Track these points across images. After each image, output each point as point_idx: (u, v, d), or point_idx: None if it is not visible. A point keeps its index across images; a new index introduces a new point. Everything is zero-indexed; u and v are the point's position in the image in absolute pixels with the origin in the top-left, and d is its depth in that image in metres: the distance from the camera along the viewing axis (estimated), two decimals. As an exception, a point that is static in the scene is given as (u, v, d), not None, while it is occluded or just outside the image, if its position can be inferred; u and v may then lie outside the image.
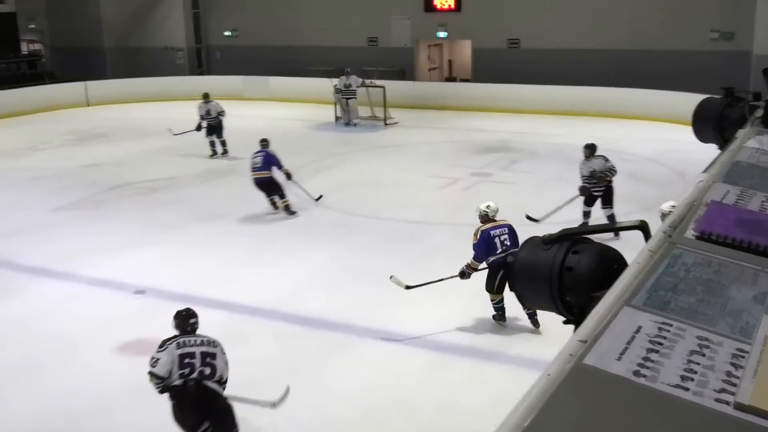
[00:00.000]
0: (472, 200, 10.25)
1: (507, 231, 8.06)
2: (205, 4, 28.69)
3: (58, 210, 13.11)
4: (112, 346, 7.91)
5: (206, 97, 17.29)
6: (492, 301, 8.11)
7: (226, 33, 28.32)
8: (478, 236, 7.98)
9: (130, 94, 25.56)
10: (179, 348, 5.56)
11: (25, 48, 29.35)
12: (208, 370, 5.55)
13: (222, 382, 5.70)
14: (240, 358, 7.54)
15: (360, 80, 20.65)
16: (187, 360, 5.51)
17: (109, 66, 28.65)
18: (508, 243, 7.96)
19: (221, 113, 17.09)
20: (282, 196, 12.36)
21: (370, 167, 15.88)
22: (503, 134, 18.75)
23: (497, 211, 8.22)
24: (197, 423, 5.54)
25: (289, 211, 12.37)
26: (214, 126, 17.03)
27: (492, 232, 7.99)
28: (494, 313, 8.17)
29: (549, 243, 2.64)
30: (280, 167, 12.34)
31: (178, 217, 12.49)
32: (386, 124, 20.56)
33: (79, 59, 28.24)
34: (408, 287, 8.34)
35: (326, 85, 21.46)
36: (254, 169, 12.36)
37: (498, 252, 7.93)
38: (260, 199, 12.48)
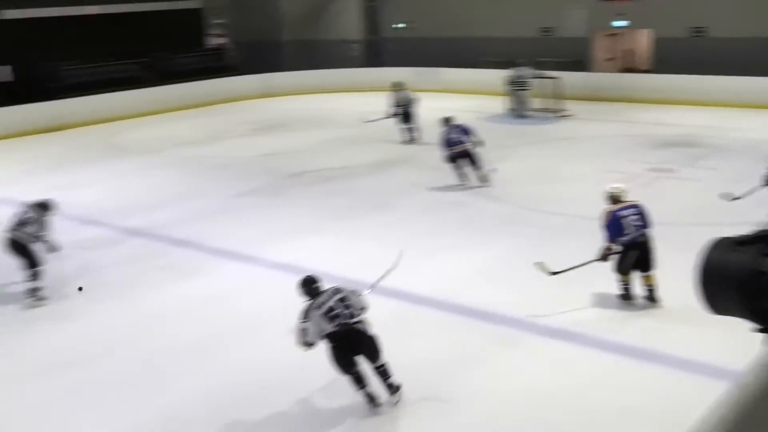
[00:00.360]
0: (650, 197, 9.82)
1: (636, 211, 8.07)
2: (380, -3, 29.20)
3: (239, 196, 13.80)
4: (289, 328, 8.22)
5: (398, 85, 17.81)
6: (621, 282, 8.20)
7: (399, 25, 28.68)
8: (609, 218, 8.05)
9: (307, 85, 26.47)
10: (319, 309, 6.30)
11: (210, 42, 31.03)
12: (348, 311, 6.33)
13: (363, 310, 6.50)
14: (407, 347, 7.68)
15: (533, 71, 20.32)
16: (330, 313, 6.27)
17: (288, 59, 29.78)
18: (639, 223, 8.00)
19: (413, 100, 17.57)
20: (480, 167, 13.35)
21: (542, 160, 15.59)
22: (687, 128, 17.82)
23: (625, 192, 8.25)
24: (352, 361, 6.37)
25: (485, 180, 13.35)
26: (405, 113, 17.55)
27: (620, 213, 8.02)
28: (620, 293, 8.24)
29: (743, 244, 2.48)
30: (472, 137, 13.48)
31: (352, 205, 12.82)
32: (559, 116, 20.13)
33: (260, 53, 29.53)
34: (553, 273, 8.36)
35: (498, 76, 21.27)
36: (454, 144, 13.34)
37: (627, 233, 7.96)
38: (432, 189, 12.61)
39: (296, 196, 13.69)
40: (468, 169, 13.43)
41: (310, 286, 6.54)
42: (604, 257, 8.13)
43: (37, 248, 9.37)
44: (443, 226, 11.57)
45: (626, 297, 8.28)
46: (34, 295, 9.25)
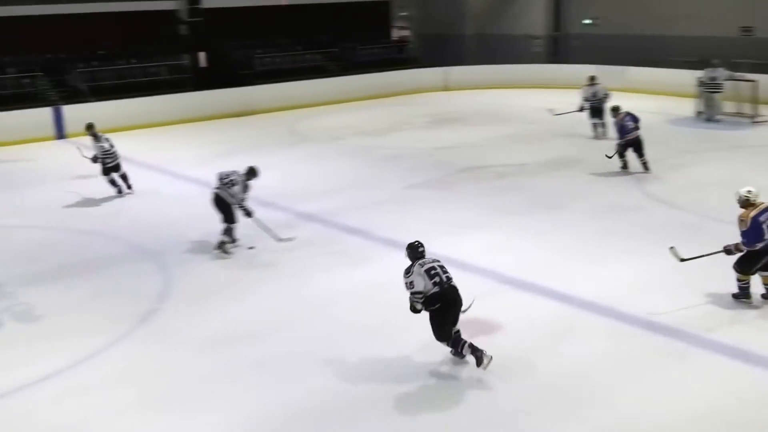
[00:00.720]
0: None
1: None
2: (568, -8, 28.54)
3: (411, 187, 13.95)
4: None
5: (593, 79, 17.74)
6: (741, 281, 8.25)
7: (586, 21, 27.91)
8: (748, 223, 7.97)
9: (487, 80, 26.34)
10: (422, 267, 7.05)
11: (395, 34, 31.54)
12: (446, 275, 7.11)
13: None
14: (568, 352, 7.51)
15: (728, 73, 19.12)
16: (432, 272, 7.03)
17: (469, 53, 29.74)
18: None
19: (606, 96, 17.39)
20: (644, 154, 14.09)
21: (732, 168, 14.62)
22: None
23: (758, 195, 8.18)
24: (455, 317, 7.14)
25: (648, 168, 14.08)
26: (597, 108, 17.41)
27: (760, 218, 8.00)
28: (737, 292, 8.30)
29: None
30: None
31: (522, 203, 12.63)
32: (754, 122, 18.84)
33: (442, 45, 29.70)
34: (682, 260, 8.44)
35: (688, 77, 20.20)
36: (629, 131, 13.98)
37: (765, 237, 7.98)
38: (606, 192, 12.20)
39: (467, 191, 13.66)
40: (632, 156, 14.13)
41: (417, 249, 7.28)
42: (728, 251, 8.21)
43: (235, 209, 10.66)
44: (615, 230, 11.15)
45: (744, 296, 8.30)
46: (222, 248, 10.67)
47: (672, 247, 8.52)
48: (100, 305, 9.12)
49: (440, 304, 7.02)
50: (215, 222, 11.23)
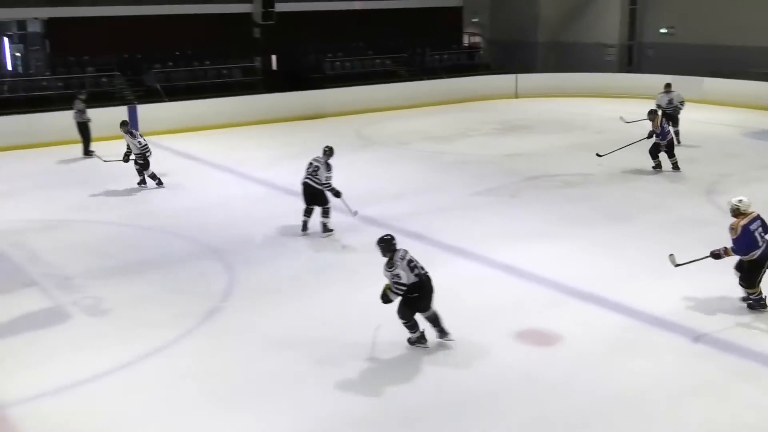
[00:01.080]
0: None
1: (761, 222, 8.22)
2: (644, 1, 28.00)
3: (477, 194, 13.86)
4: (510, 332, 8.15)
5: (668, 86, 17.79)
6: (751, 294, 8.37)
7: (662, 30, 27.35)
8: (738, 231, 8.12)
9: (558, 88, 26.03)
10: (402, 260, 7.51)
11: (466, 40, 31.43)
12: (420, 264, 7.64)
13: None
14: (631, 367, 7.35)
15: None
16: (411, 264, 7.56)
17: (540, 60, 29.45)
18: (765, 234, 8.20)
19: (682, 103, 17.52)
20: (674, 154, 15.02)
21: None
22: None
23: (750, 205, 8.26)
24: (429, 303, 7.68)
25: (678, 167, 14.96)
26: (671, 115, 17.33)
27: (751, 227, 8.14)
28: (751, 302, 8.42)
29: None
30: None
31: (589, 213, 12.43)
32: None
33: (513, 52, 29.47)
34: (677, 265, 8.61)
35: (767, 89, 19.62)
36: (667, 133, 14.79)
37: (761, 245, 8.15)
38: (677, 205, 11.94)
39: (533, 199, 13.51)
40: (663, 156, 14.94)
41: (391, 242, 7.65)
42: (717, 256, 8.35)
43: (325, 191, 11.51)
44: (684, 244, 10.77)
45: (761, 306, 8.42)
46: (326, 229, 11.56)
47: (671, 255, 8.72)
48: (166, 302, 9.30)
49: (419, 293, 7.55)
50: (281, 223, 11.39)
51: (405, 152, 17.97)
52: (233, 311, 9.03)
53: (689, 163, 15.60)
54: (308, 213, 11.69)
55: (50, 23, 23.06)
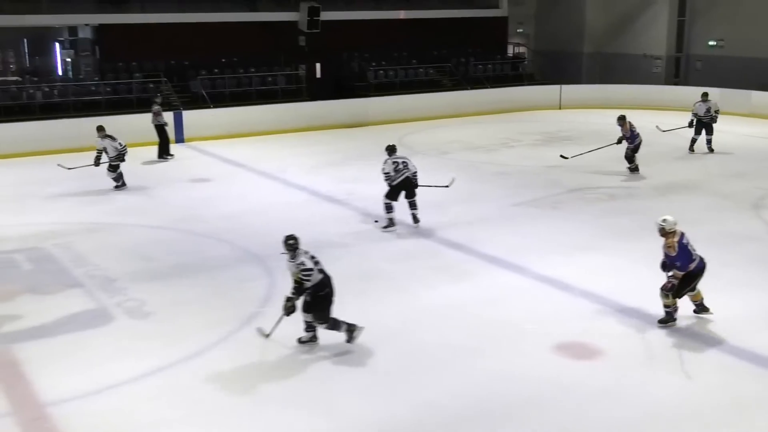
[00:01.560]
0: None
1: (687, 236, 8.33)
2: (693, 13, 27.65)
3: (518, 205, 13.78)
4: (551, 344, 8.07)
5: (705, 96, 18.01)
6: (669, 306, 8.37)
7: (710, 42, 26.96)
8: (677, 248, 8.17)
9: (602, 99, 25.78)
10: (306, 254, 7.86)
11: (510, 51, 31.31)
12: (320, 261, 7.95)
13: None
14: (674, 382, 7.23)
15: None
16: (315, 260, 7.90)
17: (585, 71, 29.21)
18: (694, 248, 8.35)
19: (717, 112, 17.84)
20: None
21: None
22: None
23: (675, 223, 8.27)
24: (331, 300, 7.95)
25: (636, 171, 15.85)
26: (707, 124, 17.79)
27: (683, 242, 8.25)
28: (664, 317, 8.42)
29: None
30: None
31: (632, 226, 12.26)
32: None
33: (558, 63, 29.28)
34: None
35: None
36: (637, 136, 15.65)
37: (693, 257, 8.27)
38: (723, 219, 11.77)
39: (575, 211, 13.38)
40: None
41: (296, 240, 7.91)
42: (672, 287, 8.24)
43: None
44: (729, 260, 10.66)
45: (672, 320, 8.43)
46: (416, 218, 12.42)
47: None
48: (206, 306, 9.39)
49: (328, 289, 7.89)
50: (322, 229, 11.44)
51: (446, 162, 17.93)
52: (272, 317, 9.03)
53: (736, 177, 15.35)
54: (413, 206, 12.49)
55: (100, 29, 23.51)
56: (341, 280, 10.10)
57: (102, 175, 16.29)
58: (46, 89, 21.71)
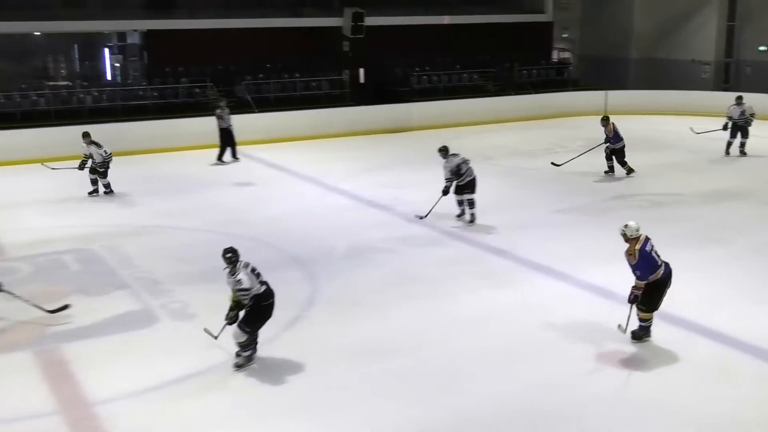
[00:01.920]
0: None
1: (651, 242, 7.97)
2: (743, 17, 27.16)
3: (562, 212, 13.65)
4: (592, 352, 7.97)
5: (740, 99, 18.17)
6: (645, 321, 8.04)
7: (761, 48, 26.45)
8: (637, 256, 7.81)
9: (650, 105, 25.44)
10: (246, 267, 7.60)
11: (555, 56, 31.07)
12: (262, 274, 7.71)
13: None
14: (722, 395, 7.08)
15: None
16: (256, 272, 7.67)
17: (632, 76, 28.85)
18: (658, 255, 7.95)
19: (752, 116, 17.86)
20: (625, 161, 16.20)
21: None
22: None
23: (638, 229, 7.93)
24: (271, 313, 7.72)
25: (631, 171, 16.14)
26: (742, 127, 17.90)
27: (646, 248, 7.88)
28: (637, 331, 8.07)
29: None
30: None
31: (680, 234, 12.05)
32: None
33: (604, 68, 28.96)
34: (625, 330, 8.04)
35: None
36: (621, 139, 16.07)
37: (659, 264, 7.91)
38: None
39: (620, 218, 13.02)
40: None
41: (236, 253, 7.64)
42: (635, 298, 7.93)
43: None
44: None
45: (647, 335, 8.10)
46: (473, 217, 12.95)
47: (619, 325, 8.10)
48: (249, 308, 9.44)
49: (271, 299, 7.67)
50: (364, 234, 11.48)
51: (490, 167, 17.79)
52: (314, 321, 9.12)
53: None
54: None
55: (148, 35, 23.89)
56: (384, 286, 10.20)
57: (142, 180, 16.57)
58: (96, 94, 22.12)
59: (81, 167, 15.43)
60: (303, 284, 10.28)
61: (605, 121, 16.26)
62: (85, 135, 15.46)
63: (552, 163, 16.15)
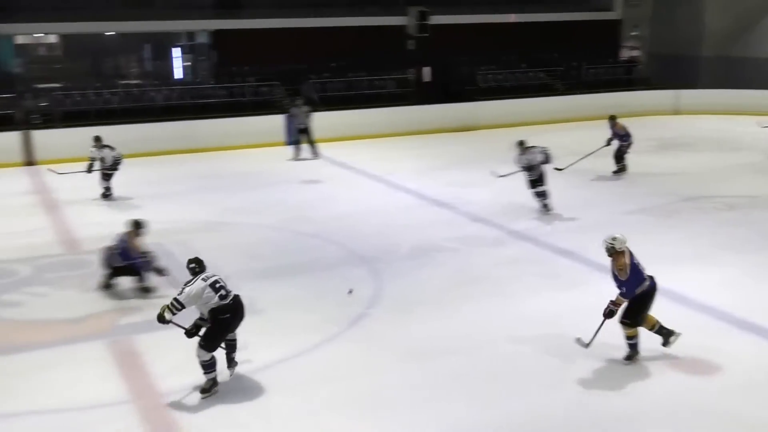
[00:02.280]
0: None
1: (635, 257, 7.52)
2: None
3: (629, 213, 13.40)
4: (666, 357, 7.80)
5: None
6: (630, 338, 7.60)
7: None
8: (628, 271, 7.35)
9: (724, 105, 24.77)
10: (206, 281, 7.18)
11: (624, 54, 30.50)
12: (227, 287, 7.30)
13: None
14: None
15: None
16: (217, 286, 7.20)
17: (705, 75, 28.14)
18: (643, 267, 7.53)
19: None
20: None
21: None
22: None
23: (625, 241, 7.53)
24: (232, 329, 7.35)
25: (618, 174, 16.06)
26: None
27: (635, 261, 7.48)
28: (629, 352, 7.63)
29: None
30: None
31: (755, 237, 11.75)
32: None
33: (674, 67, 28.30)
34: (587, 345, 7.72)
35: None
36: (629, 137, 15.89)
37: (644, 278, 7.49)
38: None
39: (691, 221, 12.91)
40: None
41: (200, 264, 7.39)
42: (610, 313, 7.52)
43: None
44: None
45: (636, 353, 7.65)
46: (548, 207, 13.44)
47: (578, 338, 7.82)
48: (313, 306, 9.55)
49: (230, 314, 7.22)
50: (429, 233, 11.49)
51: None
52: (377, 319, 9.15)
53: None
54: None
55: (217, 35, 24.30)
56: (447, 285, 10.18)
57: (212, 177, 16.85)
58: (166, 92, 22.62)
59: (89, 170, 15.48)
60: (367, 282, 10.33)
61: (612, 119, 16.23)
62: (97, 139, 15.61)
63: (555, 168, 14.64)
